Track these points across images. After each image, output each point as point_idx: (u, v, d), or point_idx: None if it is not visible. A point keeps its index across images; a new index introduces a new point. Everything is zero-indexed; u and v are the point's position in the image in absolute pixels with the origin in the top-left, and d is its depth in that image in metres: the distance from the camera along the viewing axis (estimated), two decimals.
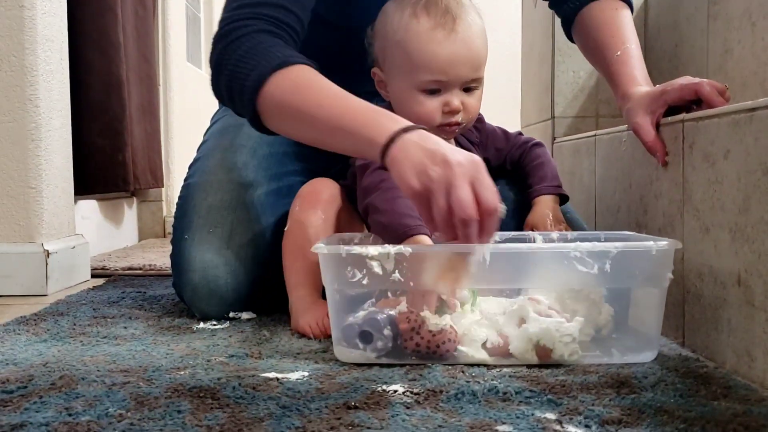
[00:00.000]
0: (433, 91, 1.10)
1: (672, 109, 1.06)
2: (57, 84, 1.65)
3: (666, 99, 1.05)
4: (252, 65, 1.03)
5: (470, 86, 1.11)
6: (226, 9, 1.12)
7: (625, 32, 1.23)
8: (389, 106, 1.15)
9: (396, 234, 1.01)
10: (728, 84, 1.10)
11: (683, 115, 0.99)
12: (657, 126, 1.06)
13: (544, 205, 1.19)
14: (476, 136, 1.23)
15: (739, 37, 1.31)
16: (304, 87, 1.02)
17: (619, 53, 1.19)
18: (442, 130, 1.11)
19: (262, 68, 1.03)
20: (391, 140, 0.90)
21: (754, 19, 1.26)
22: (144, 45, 2.52)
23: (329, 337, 0.99)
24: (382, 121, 0.93)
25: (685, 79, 1.05)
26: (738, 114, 0.85)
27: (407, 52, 1.09)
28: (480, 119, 1.23)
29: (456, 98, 1.10)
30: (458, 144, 1.18)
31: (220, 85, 1.09)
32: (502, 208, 0.85)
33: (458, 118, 1.11)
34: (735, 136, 0.85)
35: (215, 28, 1.12)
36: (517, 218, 1.21)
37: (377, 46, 1.16)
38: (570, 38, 1.36)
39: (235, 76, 1.05)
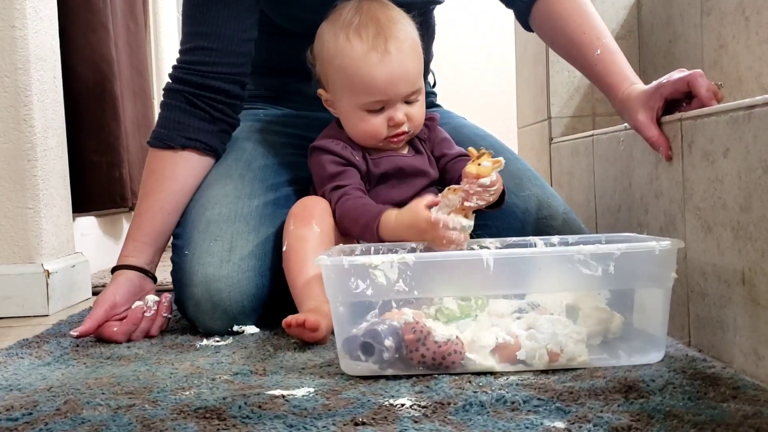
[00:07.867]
0: (377, 109, 1.17)
1: (670, 106, 1.05)
2: (51, 103, 1.64)
3: (662, 92, 1.05)
4: None
5: (410, 99, 1.18)
6: None
7: (595, 24, 1.22)
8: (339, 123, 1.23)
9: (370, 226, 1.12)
10: (724, 79, 1.10)
11: (681, 114, 0.99)
12: (658, 121, 1.06)
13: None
14: (425, 132, 1.26)
15: (733, 32, 1.30)
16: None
17: (599, 52, 1.19)
18: (390, 141, 1.20)
19: None
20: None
21: (748, 14, 1.26)
22: (137, 59, 2.51)
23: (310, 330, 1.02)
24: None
25: (679, 72, 1.05)
26: (736, 112, 0.84)
27: (347, 76, 1.16)
28: (433, 118, 1.26)
29: (399, 112, 1.17)
30: (409, 144, 1.24)
31: None
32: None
33: (404, 128, 1.19)
34: (734, 134, 0.85)
35: None
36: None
37: (318, 68, 1.22)
38: (528, 29, 1.35)
39: None
